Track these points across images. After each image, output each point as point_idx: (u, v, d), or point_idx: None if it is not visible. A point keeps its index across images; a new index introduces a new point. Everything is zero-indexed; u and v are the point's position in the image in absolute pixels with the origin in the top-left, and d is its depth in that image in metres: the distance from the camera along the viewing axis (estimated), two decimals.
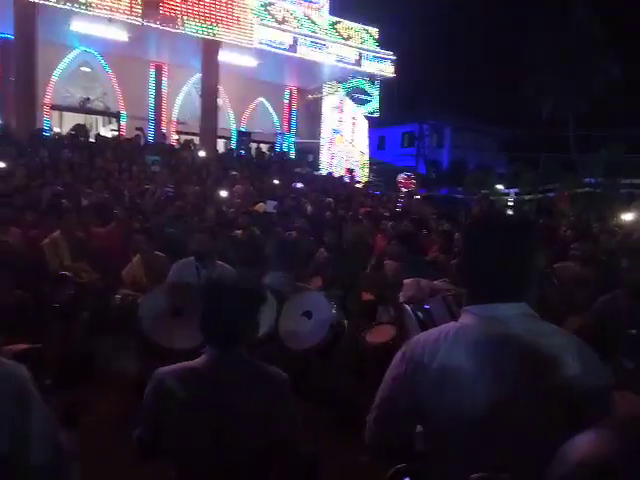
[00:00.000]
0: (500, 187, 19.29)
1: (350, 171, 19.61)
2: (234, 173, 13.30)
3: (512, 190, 19.58)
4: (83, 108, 17.60)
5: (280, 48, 17.04)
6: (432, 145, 33.42)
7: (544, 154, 22.30)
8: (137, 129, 15.50)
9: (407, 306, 2.83)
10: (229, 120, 19.64)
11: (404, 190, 14.30)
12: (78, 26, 14.58)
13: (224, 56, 16.28)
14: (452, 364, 1.43)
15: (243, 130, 19.88)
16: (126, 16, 14.11)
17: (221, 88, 17.25)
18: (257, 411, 1.96)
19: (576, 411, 1.33)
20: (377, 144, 33.87)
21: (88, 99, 17.54)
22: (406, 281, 3.58)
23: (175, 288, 4.18)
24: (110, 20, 14.23)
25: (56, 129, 16.36)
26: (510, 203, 16.69)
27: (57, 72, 16.43)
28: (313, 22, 18.06)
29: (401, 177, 16.01)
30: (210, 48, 15.91)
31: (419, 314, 2.78)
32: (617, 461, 0.67)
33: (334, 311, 3.78)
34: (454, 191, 21.51)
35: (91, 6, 13.62)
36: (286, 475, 2.11)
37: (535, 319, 1.47)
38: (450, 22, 31.50)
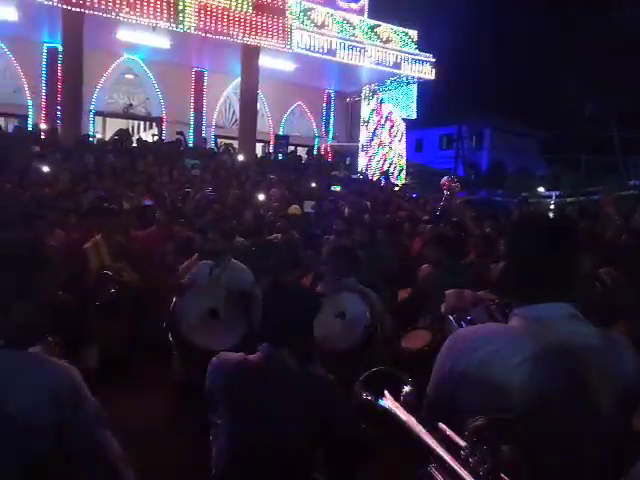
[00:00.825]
0: (541, 190, 18.89)
1: (387, 174, 19.51)
2: (272, 177, 13.41)
3: (553, 193, 19.15)
4: (126, 114, 18.05)
5: (319, 52, 17.11)
6: (471, 147, 32.97)
7: (585, 156, 21.72)
8: (178, 133, 15.79)
9: (450, 317, 2.83)
10: (268, 124, 19.83)
11: (446, 193, 14.08)
12: (123, 34, 14.99)
13: (263, 61, 16.44)
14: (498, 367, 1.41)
15: (281, 134, 20.02)
16: (169, 24, 14.41)
17: (260, 92, 17.43)
18: (307, 412, 2.00)
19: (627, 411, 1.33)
20: (415, 147, 33.64)
21: (131, 105, 17.99)
22: (448, 291, 3.63)
23: (210, 290, 4.25)
24: (154, 28, 14.55)
25: (99, 135, 16.81)
26: (551, 206, 16.31)
27: (102, 79, 16.90)
28: (352, 26, 18.08)
29: (445, 179, 15.78)
30: (250, 53, 16.09)
31: (462, 324, 2.76)
32: None
33: (368, 313, 3.77)
34: (493, 194, 21.17)
35: (135, 14, 13.97)
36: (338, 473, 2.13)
37: (580, 320, 1.47)
38: (489, 22, 31.08)
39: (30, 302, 1.43)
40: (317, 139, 21.28)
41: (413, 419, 1.28)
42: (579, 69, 24.64)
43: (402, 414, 1.30)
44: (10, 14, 13.72)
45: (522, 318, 1.49)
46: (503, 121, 32.53)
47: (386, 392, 1.34)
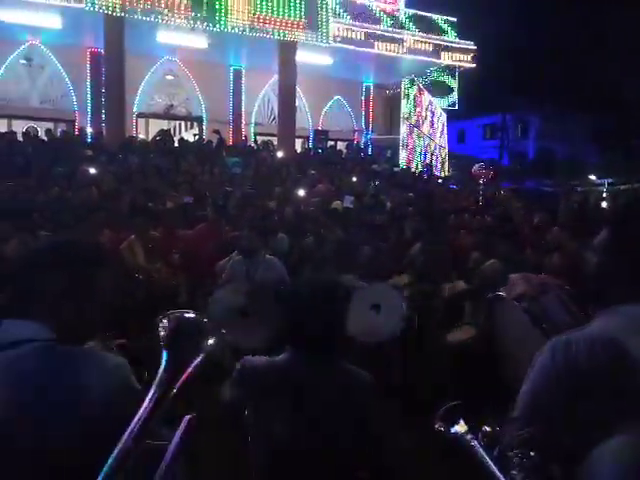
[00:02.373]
0: (593, 178, 18.22)
1: (428, 166, 19.22)
2: (312, 172, 13.37)
3: (605, 180, 18.45)
4: (167, 114, 18.35)
5: (356, 45, 16.95)
6: (516, 136, 32.15)
7: (638, 141, 20.84)
8: (214, 131, 15.96)
9: (516, 303, 2.66)
10: (306, 119, 19.80)
11: (480, 182, 13.70)
12: (163, 36, 15.21)
13: (300, 56, 16.40)
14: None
15: (321, 129, 19.96)
16: (206, 23, 14.54)
17: (298, 88, 17.41)
18: (344, 412, 1.93)
19: None
20: (457, 137, 33.06)
21: (172, 105, 18.27)
22: (513, 276, 3.46)
23: (242, 286, 4.23)
24: (193, 29, 14.71)
25: (142, 136, 17.14)
26: (604, 194, 15.71)
27: (143, 81, 17.20)
28: (390, 16, 17.83)
29: (475, 168, 15.33)
30: (287, 49, 16.08)
31: (532, 311, 2.59)
32: None
33: (404, 305, 3.69)
34: (541, 183, 20.57)
35: (174, 16, 14.14)
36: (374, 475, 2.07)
37: None
38: (532, 5, 30.12)
39: (93, 301, 1.47)
40: (357, 133, 21.13)
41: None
42: (628, 50, 23.66)
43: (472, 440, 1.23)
44: (54, 22, 14.13)
45: (626, 317, 1.36)
46: (550, 108, 31.49)
47: (461, 421, 1.27)
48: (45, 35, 15.03)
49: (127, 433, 1.06)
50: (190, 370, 1.13)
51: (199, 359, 1.15)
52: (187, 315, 1.25)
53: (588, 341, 1.36)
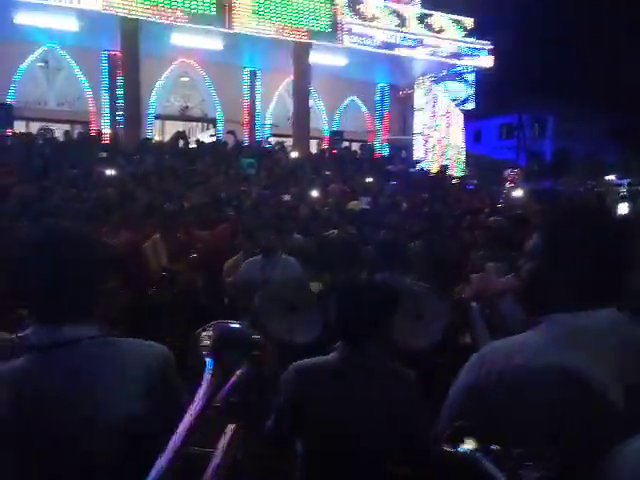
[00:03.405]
0: (611, 178, 17.96)
1: (444, 167, 19.11)
2: (327, 173, 13.35)
3: (624, 180, 18.17)
4: (183, 116, 18.44)
5: (370, 45, 16.91)
6: (533, 136, 31.84)
7: None
8: (228, 132, 15.97)
9: (473, 304, 2.59)
10: (321, 120, 19.78)
11: (509, 185, 13.67)
12: (177, 38, 15.29)
13: (314, 57, 16.40)
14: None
15: (335, 130, 19.93)
16: (221, 25, 14.62)
17: (312, 89, 17.40)
18: (389, 411, 1.96)
19: None
20: (473, 137, 32.81)
21: (187, 107, 18.35)
22: (474, 275, 3.34)
23: (288, 284, 4.23)
24: (207, 30, 14.78)
25: (158, 137, 17.25)
26: (622, 194, 15.45)
27: (159, 83, 17.30)
28: (404, 17, 17.77)
29: (508, 172, 15.32)
30: (301, 50, 16.08)
31: (487, 314, 2.50)
32: None
33: (446, 310, 3.63)
34: (558, 183, 20.33)
35: (189, 19, 14.23)
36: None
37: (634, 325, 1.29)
38: (549, 4, 29.85)
39: (107, 300, 1.49)
40: (371, 134, 21.07)
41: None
42: None
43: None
44: (71, 24, 14.25)
45: (560, 326, 1.32)
46: (567, 107, 31.13)
47: (469, 439, 1.24)
48: (62, 38, 15.15)
49: (171, 443, 1.07)
50: (233, 379, 1.15)
51: (243, 369, 1.17)
52: (232, 325, 1.27)
53: (508, 351, 1.34)
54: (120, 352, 1.41)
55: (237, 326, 1.27)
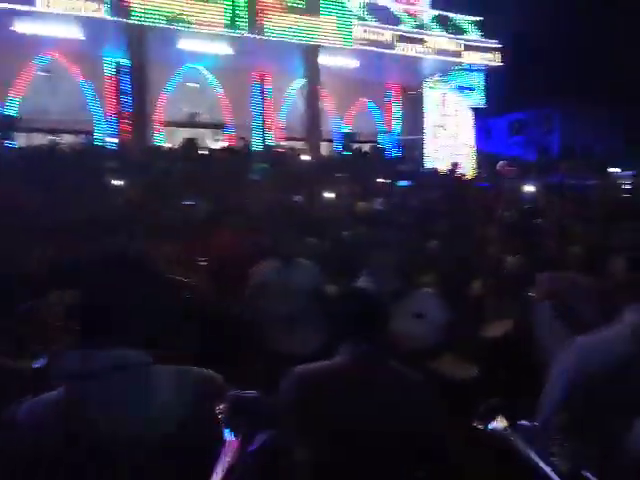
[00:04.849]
0: (617, 170, 17.84)
1: (454, 165, 19.03)
2: (339, 175, 13.31)
3: (628, 173, 18.01)
4: (192, 122, 18.44)
5: (380, 46, 16.88)
6: (542, 131, 31.85)
7: None
8: (241, 138, 15.98)
9: (547, 302, 2.75)
10: (333, 122, 19.73)
11: (507, 179, 13.58)
12: (185, 44, 15.31)
13: (325, 59, 16.40)
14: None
15: (347, 132, 19.87)
16: (232, 31, 14.64)
17: (323, 91, 17.38)
18: (398, 412, 1.93)
19: None
20: (484, 135, 32.78)
21: (196, 113, 18.35)
22: (542, 275, 3.50)
23: (288, 292, 4.20)
24: (215, 35, 14.81)
25: (167, 145, 17.26)
26: (628, 187, 15.29)
27: (167, 90, 17.31)
28: (413, 17, 17.74)
29: (500, 165, 15.17)
30: (310, 53, 16.08)
31: (559, 309, 2.63)
32: None
33: (446, 310, 3.71)
34: (566, 177, 20.19)
35: (197, 24, 14.26)
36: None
37: None
38: (555, 3, 29.71)
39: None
40: (382, 134, 21.02)
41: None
42: None
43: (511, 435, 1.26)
44: (75, 33, 14.19)
45: None
46: (574, 103, 31.22)
47: (499, 417, 1.31)
48: (66, 46, 15.07)
49: None
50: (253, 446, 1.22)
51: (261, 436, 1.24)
52: (246, 395, 1.35)
53: (606, 343, 1.59)
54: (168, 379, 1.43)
55: (252, 395, 1.35)
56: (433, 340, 3.60)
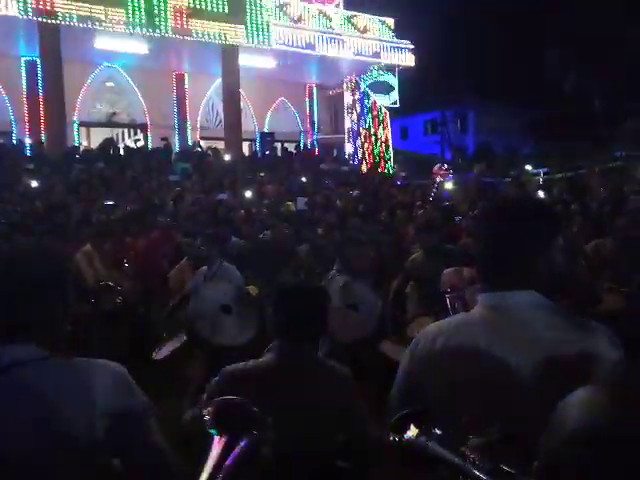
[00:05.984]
0: (529, 168, 18.95)
1: (374, 164, 19.58)
2: (262, 174, 13.45)
3: (541, 170, 19.20)
4: (110, 122, 17.96)
5: (298, 47, 17.10)
6: (456, 131, 33.04)
7: (571, 131, 21.85)
8: (162, 139, 15.76)
9: (446, 296, 2.88)
10: (252, 122, 19.79)
11: (438, 180, 14.20)
12: (101, 43, 14.89)
13: (243, 59, 16.42)
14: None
15: (266, 131, 19.99)
16: (146, 29, 14.39)
17: (242, 91, 17.40)
18: (328, 409, 2.00)
19: None
20: (400, 134, 33.69)
21: (114, 113, 17.90)
22: (446, 270, 3.71)
23: (221, 285, 4.30)
24: (131, 34, 14.51)
25: (84, 144, 16.74)
26: (541, 183, 16.37)
27: (83, 89, 16.79)
28: (329, 18, 18.07)
29: (436, 168, 15.87)
30: (229, 53, 16.07)
31: (456, 304, 2.79)
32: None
33: (379, 302, 3.81)
34: (481, 176, 21.18)
35: (111, 22, 13.92)
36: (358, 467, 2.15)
37: (551, 311, 1.39)
38: (467, 3, 30.98)
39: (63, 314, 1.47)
40: (302, 134, 21.28)
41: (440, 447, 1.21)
42: (562, 42, 24.75)
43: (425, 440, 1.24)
44: None
45: (481, 306, 1.46)
46: (487, 103, 32.66)
47: (412, 426, 1.27)
48: None
49: None
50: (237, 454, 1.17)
51: (245, 443, 1.19)
52: (232, 400, 1.31)
53: (434, 334, 1.48)
54: (74, 373, 1.40)
55: (238, 401, 1.30)
56: (370, 328, 3.67)
